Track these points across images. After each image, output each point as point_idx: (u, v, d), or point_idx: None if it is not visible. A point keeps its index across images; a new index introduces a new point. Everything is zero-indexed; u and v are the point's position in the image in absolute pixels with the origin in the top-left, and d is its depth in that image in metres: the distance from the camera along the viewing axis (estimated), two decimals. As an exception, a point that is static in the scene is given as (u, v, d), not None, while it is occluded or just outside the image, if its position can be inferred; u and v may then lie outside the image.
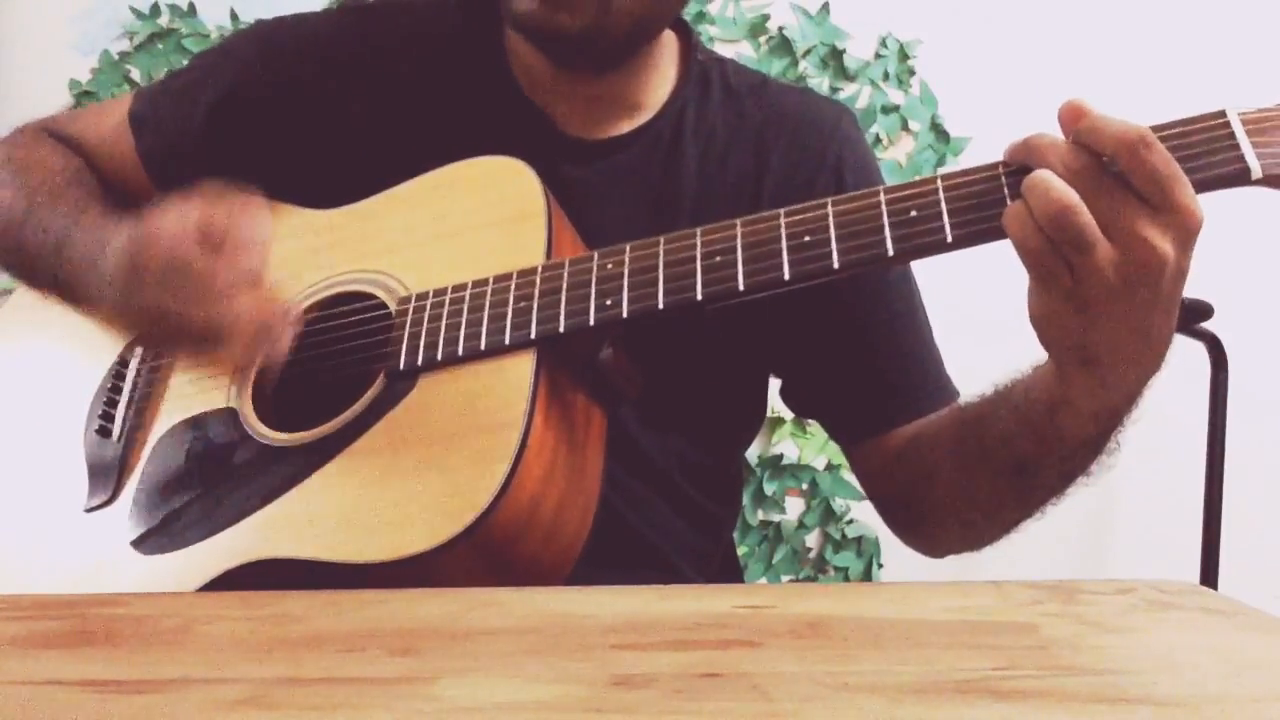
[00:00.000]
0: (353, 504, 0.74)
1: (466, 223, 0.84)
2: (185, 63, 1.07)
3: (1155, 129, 0.65)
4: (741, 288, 0.73)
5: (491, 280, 0.79)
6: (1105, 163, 0.64)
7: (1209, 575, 1.71)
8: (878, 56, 2.02)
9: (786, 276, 0.72)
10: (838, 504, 2.01)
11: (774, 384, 1.04)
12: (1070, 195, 0.63)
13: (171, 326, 0.76)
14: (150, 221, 0.77)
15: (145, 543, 0.81)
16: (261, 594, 0.64)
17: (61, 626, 0.58)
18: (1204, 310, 1.65)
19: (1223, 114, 0.65)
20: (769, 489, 2.01)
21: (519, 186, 0.83)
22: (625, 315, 0.74)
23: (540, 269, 0.78)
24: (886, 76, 2.01)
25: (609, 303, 0.75)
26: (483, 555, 0.70)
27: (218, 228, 0.75)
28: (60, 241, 0.86)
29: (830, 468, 2.01)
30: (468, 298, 0.79)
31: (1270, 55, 1.89)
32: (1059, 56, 1.94)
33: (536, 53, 0.92)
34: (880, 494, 0.99)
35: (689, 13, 2.00)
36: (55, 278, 0.87)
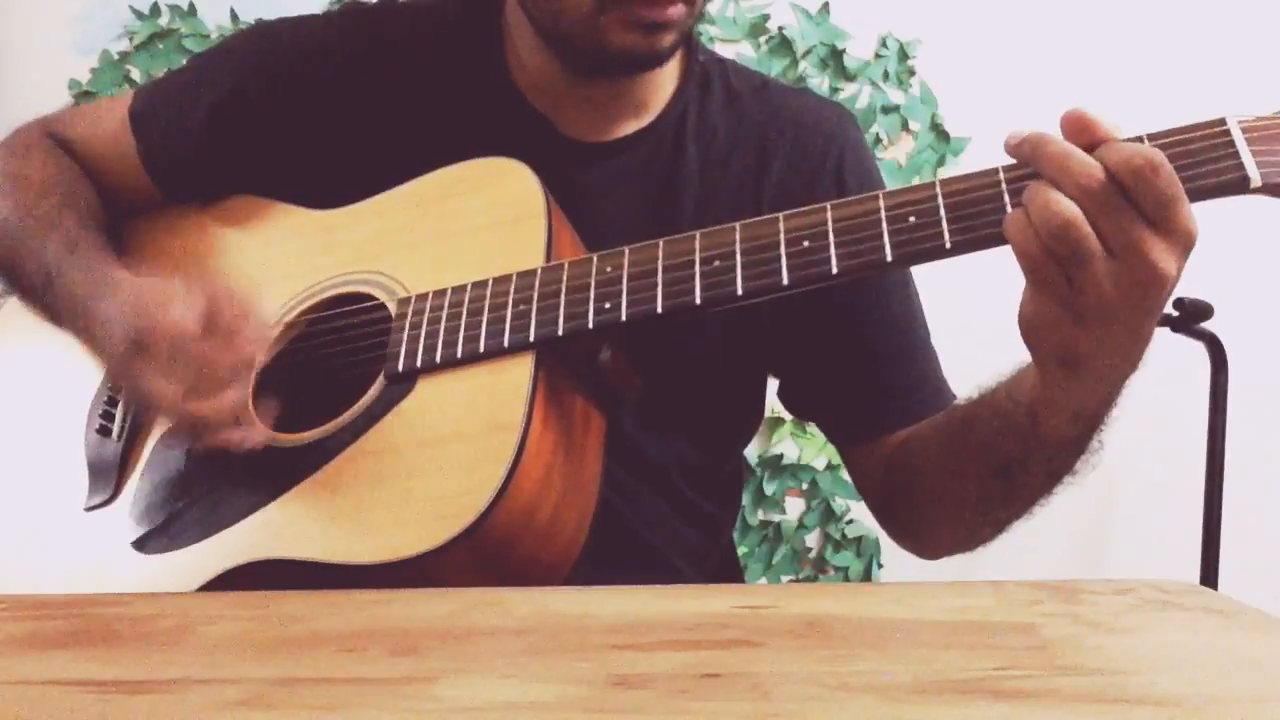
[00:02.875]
0: (351, 505, 0.74)
1: (466, 224, 0.84)
2: (185, 62, 1.07)
3: (1154, 136, 0.65)
4: (740, 292, 0.73)
5: (491, 282, 0.79)
6: (1117, 184, 0.63)
7: (1209, 575, 1.71)
8: (878, 56, 2.02)
9: (785, 281, 0.72)
10: (838, 504, 2.01)
11: (773, 384, 1.04)
12: (1071, 210, 0.63)
13: (163, 415, 0.80)
14: (150, 312, 0.77)
15: (145, 542, 0.81)
16: (261, 594, 0.64)
17: (61, 626, 0.58)
18: (1204, 310, 1.65)
19: (1223, 122, 0.65)
20: (769, 489, 2.01)
21: (519, 188, 0.83)
22: (624, 318, 0.74)
23: (539, 271, 0.78)
24: (886, 76, 2.01)
25: (608, 306, 0.75)
26: (480, 557, 0.70)
27: (218, 321, 0.78)
28: (51, 275, 0.86)
29: (830, 468, 2.01)
30: (467, 300, 0.79)
31: (1270, 60, 1.89)
32: (1059, 57, 1.94)
33: (547, 60, 0.92)
34: (874, 496, 0.99)
35: (689, 13, 2.00)
36: (46, 308, 0.88)
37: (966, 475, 0.84)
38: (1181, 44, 1.92)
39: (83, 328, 0.83)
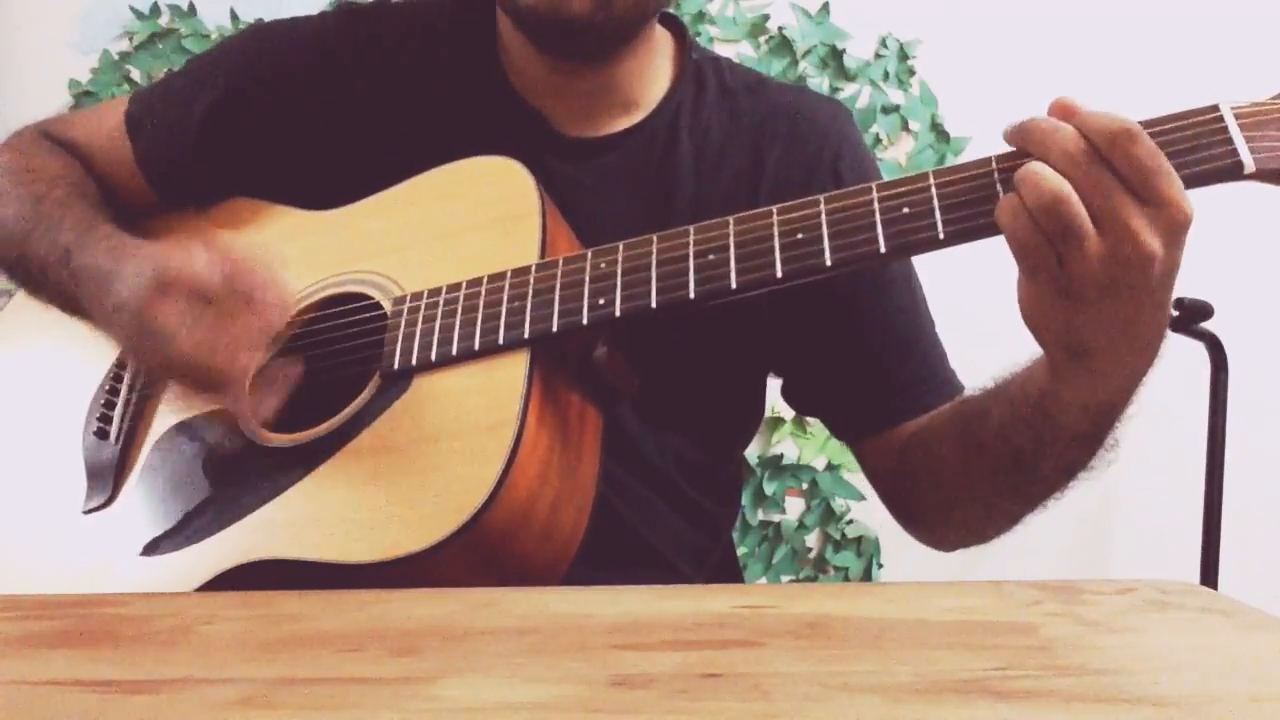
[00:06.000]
0: (348, 504, 0.74)
1: (461, 223, 0.84)
2: (181, 65, 1.07)
3: (1148, 123, 0.65)
4: (734, 286, 0.73)
5: (485, 280, 0.79)
6: (1099, 154, 0.64)
7: (1209, 575, 1.71)
8: (878, 56, 2.02)
9: (779, 274, 0.72)
10: (838, 504, 2.01)
11: (774, 384, 1.04)
12: (1062, 186, 0.63)
13: (176, 368, 0.77)
14: (175, 260, 0.76)
15: (143, 544, 0.81)
16: (261, 594, 0.64)
17: (61, 626, 0.58)
18: (1204, 310, 1.65)
19: (1216, 108, 0.65)
20: (769, 489, 2.01)
21: (513, 186, 0.83)
22: (618, 314, 0.74)
23: (534, 268, 0.78)
24: (886, 76, 2.01)
25: (602, 302, 0.75)
26: (477, 554, 0.70)
27: (241, 282, 0.75)
28: (69, 252, 0.86)
29: (830, 468, 2.01)
30: (462, 297, 0.79)
31: (1266, 54, 1.90)
32: (1059, 57, 1.94)
33: (532, 51, 0.92)
34: (886, 488, 0.99)
35: (689, 13, 2.01)
36: (62, 289, 0.87)
37: (980, 468, 0.84)
38: (1181, 42, 1.92)
39: (103, 294, 0.81)
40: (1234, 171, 0.64)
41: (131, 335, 0.78)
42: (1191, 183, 0.64)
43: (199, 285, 0.74)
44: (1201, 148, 0.65)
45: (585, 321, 0.75)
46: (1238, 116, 0.65)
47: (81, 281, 0.84)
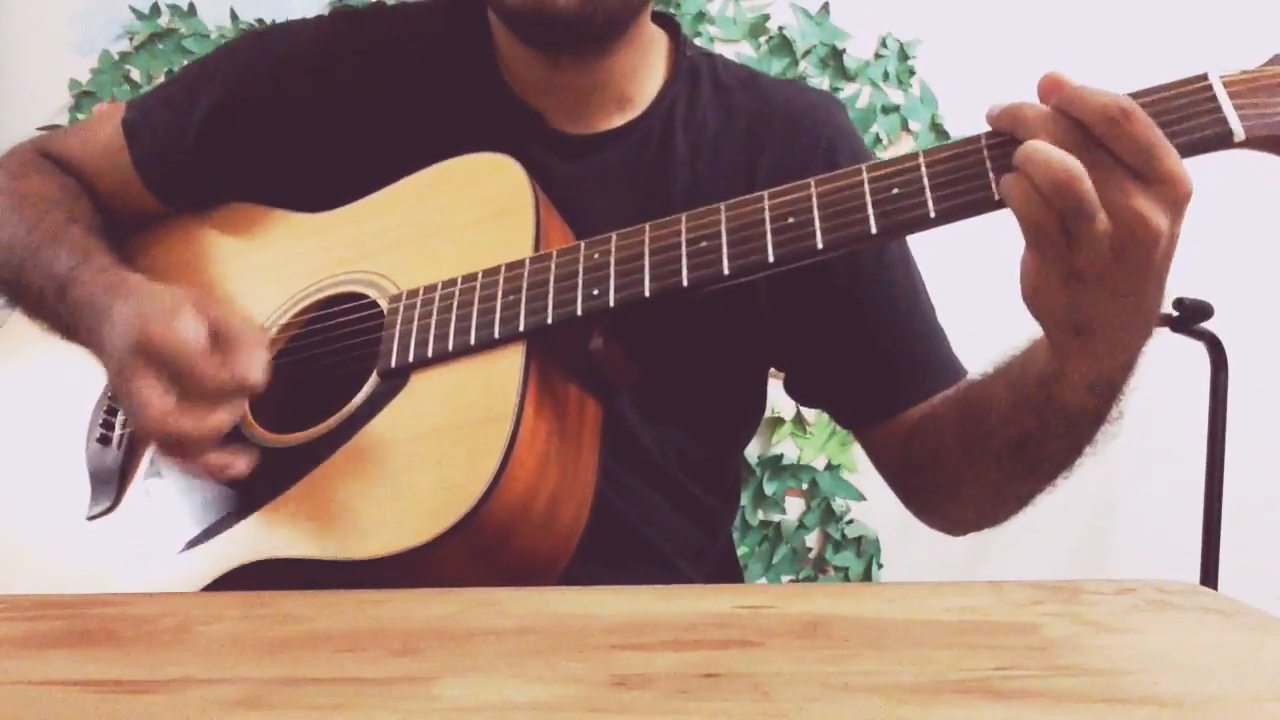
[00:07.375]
0: (348, 502, 0.74)
1: (456, 220, 0.84)
2: (184, 64, 1.07)
3: (1138, 94, 0.65)
4: (727, 272, 0.72)
5: (480, 275, 0.79)
6: (1091, 134, 0.64)
7: (1209, 575, 1.71)
8: (878, 56, 2.02)
9: (771, 259, 0.72)
10: (838, 504, 2.01)
11: (774, 384, 1.04)
12: (1075, 164, 0.63)
13: (146, 433, 0.77)
14: (156, 327, 0.75)
15: (146, 549, 0.81)
16: (261, 594, 0.64)
17: (61, 626, 0.58)
18: (1204, 310, 1.65)
19: (1204, 77, 0.65)
20: (769, 489, 2.01)
21: (507, 182, 0.83)
22: (612, 304, 0.74)
23: (527, 261, 0.78)
24: (886, 76, 2.01)
25: (596, 292, 0.75)
26: (477, 548, 0.70)
27: (224, 345, 0.75)
28: (65, 285, 0.86)
29: (830, 468, 2.01)
30: (457, 293, 0.79)
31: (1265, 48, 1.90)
32: (1059, 56, 1.94)
33: (524, 49, 0.92)
34: (893, 475, 0.99)
35: (689, 13, 2.01)
36: (59, 320, 0.87)
37: (986, 451, 0.84)
38: (1183, 41, 1.92)
39: (97, 332, 0.81)
40: (1224, 139, 0.64)
41: (115, 387, 0.79)
42: (1183, 153, 0.64)
43: (177, 345, 0.74)
44: (1190, 117, 0.64)
45: (580, 312, 0.75)
46: (1226, 85, 0.65)
47: (77, 315, 0.84)
